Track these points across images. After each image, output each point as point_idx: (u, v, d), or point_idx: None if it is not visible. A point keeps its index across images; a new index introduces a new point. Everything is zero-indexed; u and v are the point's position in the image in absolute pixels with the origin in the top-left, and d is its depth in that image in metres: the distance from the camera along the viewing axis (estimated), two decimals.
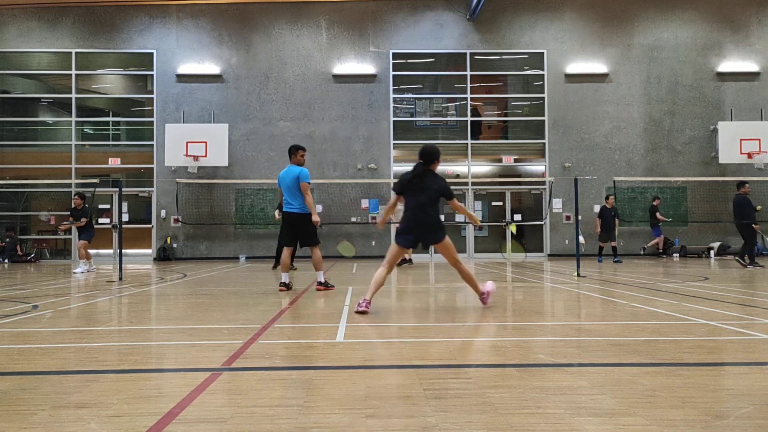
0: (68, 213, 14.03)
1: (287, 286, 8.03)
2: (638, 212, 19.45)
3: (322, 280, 8.07)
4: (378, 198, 19.80)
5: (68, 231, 14.01)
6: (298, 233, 8.07)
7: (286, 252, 8.18)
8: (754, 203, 14.08)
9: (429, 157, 5.93)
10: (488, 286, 6.10)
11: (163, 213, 19.56)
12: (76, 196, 13.74)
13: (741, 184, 13.56)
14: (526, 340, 4.29)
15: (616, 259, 16.39)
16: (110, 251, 19.89)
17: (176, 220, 19.30)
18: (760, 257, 18.47)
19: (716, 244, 18.98)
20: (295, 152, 8.14)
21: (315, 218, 7.94)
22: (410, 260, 14.83)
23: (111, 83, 21.55)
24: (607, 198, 16.94)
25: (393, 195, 6.07)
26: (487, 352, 3.92)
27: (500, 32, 20.16)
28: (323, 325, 5.14)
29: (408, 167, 23.22)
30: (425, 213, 5.83)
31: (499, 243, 12.97)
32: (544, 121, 20.04)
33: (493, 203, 20.43)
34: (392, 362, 3.61)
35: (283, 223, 8.20)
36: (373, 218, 19.63)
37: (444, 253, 5.98)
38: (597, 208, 19.75)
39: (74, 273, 12.82)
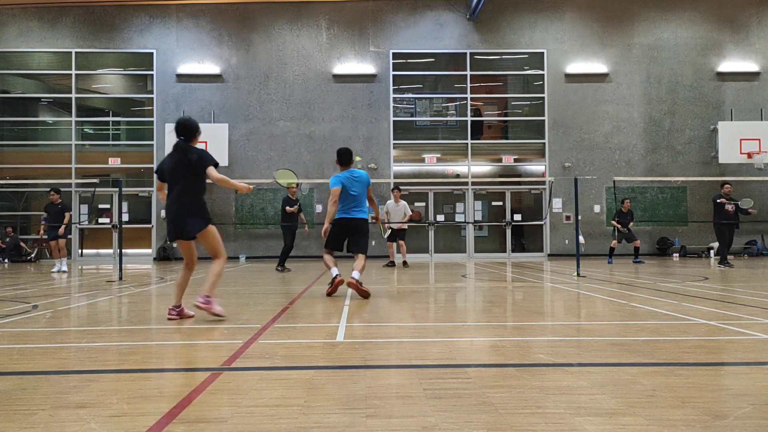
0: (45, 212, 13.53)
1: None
2: (638, 212, 19.43)
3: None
4: (378, 198, 19.78)
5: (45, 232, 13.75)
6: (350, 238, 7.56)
7: (330, 254, 7.57)
8: (753, 204, 14.13)
9: (190, 130, 5.61)
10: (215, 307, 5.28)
11: (163, 213, 19.56)
12: (52, 192, 13.33)
13: (722, 184, 14.02)
14: (526, 340, 4.29)
15: (637, 260, 15.74)
16: (110, 251, 19.89)
17: None
18: (759, 257, 18.50)
19: (716, 244, 18.90)
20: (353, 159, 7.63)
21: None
22: (393, 263, 14.14)
23: (111, 83, 21.55)
24: (623, 202, 16.13)
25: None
26: (487, 352, 3.92)
27: (500, 32, 20.16)
28: (323, 325, 5.13)
29: (408, 167, 22.93)
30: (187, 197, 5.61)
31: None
32: (544, 121, 20.04)
33: (493, 203, 20.43)
34: (392, 362, 3.61)
35: (340, 228, 7.47)
36: (373, 218, 19.59)
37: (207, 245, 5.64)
38: (597, 208, 19.78)
39: (52, 272, 12.92)
